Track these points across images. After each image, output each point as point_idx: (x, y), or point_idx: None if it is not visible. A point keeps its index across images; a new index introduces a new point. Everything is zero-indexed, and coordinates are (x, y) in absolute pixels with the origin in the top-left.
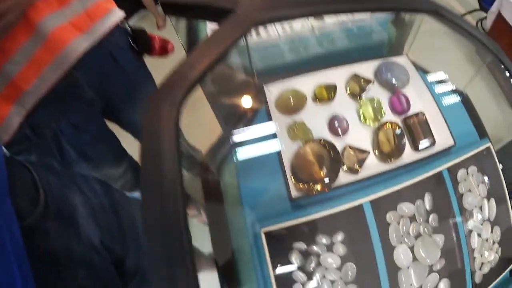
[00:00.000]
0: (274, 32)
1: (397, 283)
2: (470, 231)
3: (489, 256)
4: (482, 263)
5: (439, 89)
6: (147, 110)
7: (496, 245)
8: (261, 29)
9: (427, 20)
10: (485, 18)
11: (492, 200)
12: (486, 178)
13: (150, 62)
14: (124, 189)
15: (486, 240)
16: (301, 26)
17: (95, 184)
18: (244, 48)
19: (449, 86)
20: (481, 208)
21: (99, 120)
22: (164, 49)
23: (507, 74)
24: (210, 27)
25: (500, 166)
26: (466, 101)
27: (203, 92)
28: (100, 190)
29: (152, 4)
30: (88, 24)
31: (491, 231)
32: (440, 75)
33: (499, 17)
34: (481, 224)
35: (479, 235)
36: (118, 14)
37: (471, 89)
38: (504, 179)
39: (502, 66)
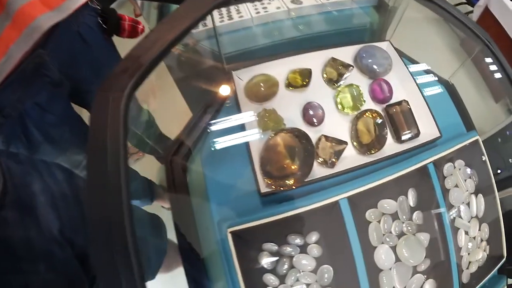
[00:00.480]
0: (247, 14)
1: (379, 285)
2: (457, 229)
3: (477, 255)
4: (470, 262)
5: (424, 78)
6: (96, 99)
7: (484, 243)
8: (233, 11)
9: (413, 6)
10: (472, 12)
11: (480, 196)
12: (474, 173)
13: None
14: None
15: (474, 238)
16: (276, 8)
17: (58, 171)
18: (213, 32)
19: (435, 76)
20: (468, 205)
21: (66, 102)
22: (134, 30)
23: (495, 66)
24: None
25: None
26: (452, 92)
27: (172, 78)
28: (62, 177)
29: None
30: (58, 1)
31: (479, 229)
32: (425, 63)
33: (486, 11)
34: (469, 222)
35: (466, 233)
36: None
37: (456, 81)
38: None
39: (492, 55)
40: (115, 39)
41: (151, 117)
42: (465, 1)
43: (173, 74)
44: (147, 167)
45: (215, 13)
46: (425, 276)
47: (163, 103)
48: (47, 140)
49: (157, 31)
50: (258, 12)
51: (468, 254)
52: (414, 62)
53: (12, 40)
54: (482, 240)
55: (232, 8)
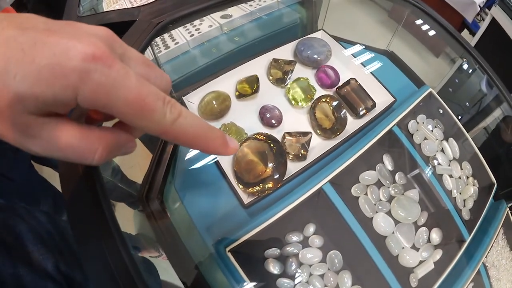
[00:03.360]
0: (182, 39)
1: (389, 251)
2: (441, 175)
3: (469, 191)
4: (465, 200)
5: (364, 55)
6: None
7: (471, 178)
8: (168, 40)
9: None
10: None
11: (452, 140)
12: (438, 122)
13: None
14: None
15: (460, 178)
16: (209, 27)
17: (39, 213)
18: (155, 62)
19: (373, 50)
20: (443, 151)
21: (27, 164)
22: None
23: (428, 24)
24: None
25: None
26: (394, 58)
27: None
28: (45, 219)
29: None
30: None
31: (461, 168)
32: (362, 42)
33: None
34: (449, 165)
35: (450, 176)
36: None
37: (394, 48)
38: None
39: (423, 14)
40: None
41: (114, 163)
42: None
43: None
44: (121, 218)
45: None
46: (429, 227)
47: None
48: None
49: None
50: (192, 35)
51: (460, 193)
52: (351, 43)
53: None
54: (468, 177)
55: (166, 37)
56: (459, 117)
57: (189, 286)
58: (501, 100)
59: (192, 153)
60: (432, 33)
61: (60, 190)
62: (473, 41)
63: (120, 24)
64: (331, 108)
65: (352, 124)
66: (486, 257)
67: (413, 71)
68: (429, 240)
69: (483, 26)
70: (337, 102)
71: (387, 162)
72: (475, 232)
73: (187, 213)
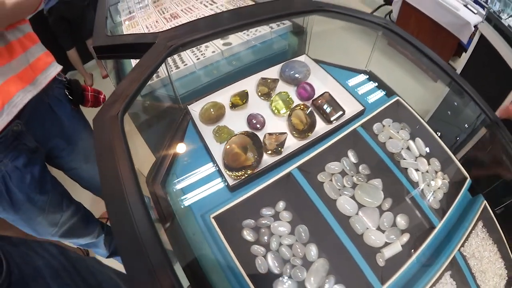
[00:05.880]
0: (190, 62)
1: (353, 229)
2: (406, 169)
3: (436, 184)
4: (434, 191)
5: (343, 74)
6: (97, 120)
7: (440, 173)
8: (179, 62)
9: (321, 22)
10: (392, 11)
11: (418, 139)
12: (405, 125)
13: (89, 110)
14: (72, 234)
15: (427, 172)
16: (212, 52)
17: (51, 247)
18: (168, 80)
19: (354, 70)
20: (409, 148)
21: (42, 166)
22: (97, 100)
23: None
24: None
25: (438, 134)
26: (371, 75)
27: (134, 125)
28: (56, 252)
29: (79, 63)
30: (32, 76)
31: (429, 163)
32: (348, 62)
33: (404, 4)
34: (415, 160)
35: (417, 170)
36: (57, 67)
37: (373, 67)
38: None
39: (395, 35)
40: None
41: None
42: (384, 3)
43: (136, 121)
44: None
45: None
46: (394, 212)
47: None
48: (28, 200)
49: (131, 74)
50: (198, 59)
51: (428, 185)
52: (334, 65)
53: None
54: (436, 172)
55: (177, 59)
56: (457, 138)
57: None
58: (470, 104)
59: (193, 148)
60: (407, 53)
61: (66, 189)
62: (464, 58)
63: (141, 45)
64: (304, 114)
65: (323, 129)
66: (462, 246)
67: (388, 86)
68: (395, 224)
69: (473, 42)
70: (309, 109)
71: (351, 155)
72: (447, 221)
73: (183, 194)
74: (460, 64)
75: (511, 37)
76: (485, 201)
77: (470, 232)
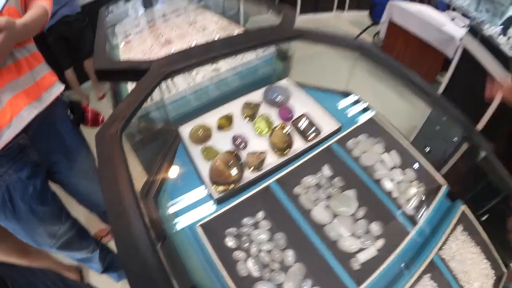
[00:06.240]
0: (182, 86)
1: (328, 236)
2: (378, 180)
3: (411, 192)
4: (409, 200)
5: (324, 95)
6: (98, 137)
7: (415, 181)
8: (171, 87)
9: (305, 46)
10: (379, 31)
11: (393, 151)
12: (380, 139)
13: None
14: (69, 247)
15: (402, 181)
16: (202, 77)
17: (52, 275)
18: (162, 104)
19: (334, 91)
20: (383, 161)
21: (43, 179)
22: (95, 120)
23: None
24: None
25: (427, 148)
26: (347, 95)
27: (130, 146)
28: (56, 279)
29: (76, 83)
30: (38, 93)
31: (403, 174)
32: (332, 84)
33: (390, 24)
34: (390, 171)
35: (391, 180)
36: (60, 86)
37: (353, 87)
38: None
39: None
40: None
41: None
42: (371, 24)
43: (131, 141)
44: None
45: (159, 89)
46: (368, 219)
47: None
48: (29, 210)
49: (129, 97)
50: (189, 84)
51: (402, 194)
52: (315, 87)
53: (4, 124)
54: (411, 181)
55: (171, 85)
56: (427, 148)
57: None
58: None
59: (183, 165)
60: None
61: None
62: (449, 71)
63: (137, 71)
64: (284, 134)
65: (302, 145)
66: (441, 249)
67: (367, 104)
68: (369, 231)
69: (456, 56)
70: (288, 129)
71: (326, 170)
72: (423, 226)
73: (173, 206)
74: (446, 78)
75: (494, 45)
76: (464, 206)
77: (449, 236)
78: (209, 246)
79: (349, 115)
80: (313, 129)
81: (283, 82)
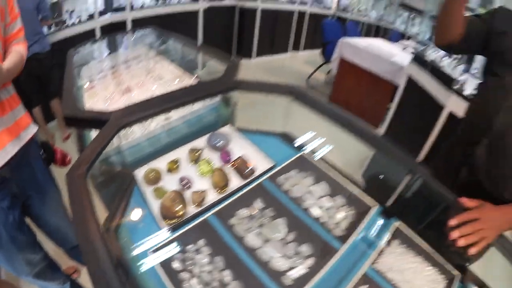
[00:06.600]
0: (137, 134)
1: (260, 258)
2: (307, 208)
3: (339, 215)
4: (337, 223)
5: (261, 137)
6: (69, 177)
7: (345, 206)
8: (129, 135)
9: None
10: (331, 69)
11: (323, 182)
12: (310, 173)
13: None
14: (43, 276)
15: (331, 208)
16: (155, 126)
17: None
18: (119, 149)
19: (272, 133)
20: (311, 192)
21: (20, 211)
22: (63, 161)
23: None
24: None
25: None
26: (284, 136)
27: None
28: None
29: (42, 122)
30: (18, 131)
31: (333, 201)
32: (270, 127)
33: (341, 62)
34: (318, 200)
35: (320, 207)
36: (35, 127)
37: (290, 128)
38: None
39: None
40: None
41: None
42: (324, 62)
43: (94, 182)
44: None
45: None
46: (298, 242)
47: None
48: (10, 239)
49: (92, 144)
50: (144, 131)
51: (331, 218)
52: (254, 131)
53: None
54: (340, 206)
55: (128, 133)
56: (381, 176)
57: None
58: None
59: (136, 205)
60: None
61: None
62: (395, 99)
63: (100, 121)
64: (223, 174)
65: (239, 183)
66: (376, 262)
67: (301, 145)
68: (299, 252)
69: (401, 84)
70: (227, 170)
71: (259, 203)
72: (355, 245)
73: (130, 238)
74: (394, 105)
75: (437, 68)
76: (398, 223)
77: (383, 250)
78: (160, 268)
79: (283, 154)
80: (248, 169)
81: (225, 129)
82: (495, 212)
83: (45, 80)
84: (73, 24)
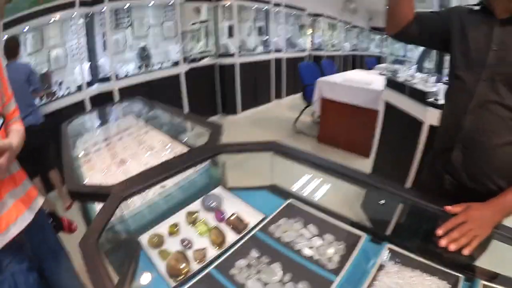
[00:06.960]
0: (137, 204)
1: None
2: (299, 250)
3: (330, 251)
4: (329, 258)
5: (250, 193)
6: (82, 244)
7: (335, 242)
8: (130, 205)
9: (234, 157)
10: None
11: (311, 225)
12: (300, 218)
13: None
14: None
15: (321, 245)
16: (152, 194)
17: None
18: (123, 219)
19: (260, 187)
20: (302, 235)
21: (38, 273)
22: (70, 228)
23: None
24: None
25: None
26: (275, 188)
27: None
28: None
29: (43, 192)
30: (29, 202)
31: (322, 239)
32: (257, 181)
33: (322, 101)
34: (309, 241)
35: (311, 247)
36: (41, 198)
37: (277, 180)
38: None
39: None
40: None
41: None
42: (307, 105)
43: (103, 248)
44: None
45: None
46: (294, 281)
47: None
48: None
49: (99, 215)
50: (143, 200)
51: (323, 255)
52: (243, 188)
53: (9, 224)
54: (330, 242)
55: (129, 202)
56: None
57: None
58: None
59: (144, 267)
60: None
61: None
62: (378, 124)
63: (101, 195)
64: (219, 232)
65: (234, 238)
66: (371, 286)
67: (286, 196)
68: None
69: (381, 109)
70: (222, 228)
71: (254, 252)
72: (349, 274)
73: None
74: (377, 130)
75: (408, 87)
76: (388, 245)
77: (379, 271)
78: None
79: (273, 204)
80: (242, 223)
81: (216, 191)
82: (481, 210)
83: (41, 151)
84: (63, 96)
